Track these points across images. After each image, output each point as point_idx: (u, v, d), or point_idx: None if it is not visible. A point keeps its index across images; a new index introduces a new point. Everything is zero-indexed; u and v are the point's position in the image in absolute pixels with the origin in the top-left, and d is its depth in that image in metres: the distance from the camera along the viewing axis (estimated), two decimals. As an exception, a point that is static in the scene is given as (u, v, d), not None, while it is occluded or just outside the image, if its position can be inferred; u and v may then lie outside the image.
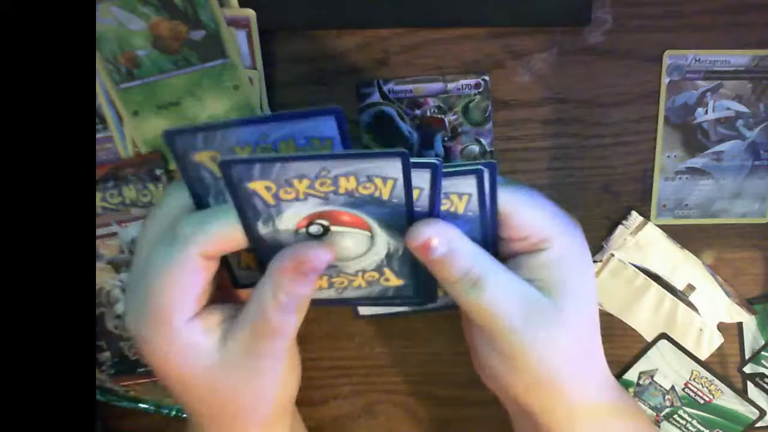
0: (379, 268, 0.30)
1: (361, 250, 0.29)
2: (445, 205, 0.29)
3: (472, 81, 0.39)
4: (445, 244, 0.28)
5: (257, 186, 0.27)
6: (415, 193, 0.27)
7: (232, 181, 0.26)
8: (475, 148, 0.40)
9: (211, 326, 0.29)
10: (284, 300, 0.28)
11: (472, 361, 0.35)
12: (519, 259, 0.30)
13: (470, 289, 0.28)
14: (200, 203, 0.30)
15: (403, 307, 0.33)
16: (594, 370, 0.31)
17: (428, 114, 0.40)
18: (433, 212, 0.28)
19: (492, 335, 0.29)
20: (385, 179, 0.27)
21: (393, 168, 0.26)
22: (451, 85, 0.39)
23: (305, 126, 0.27)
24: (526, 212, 0.29)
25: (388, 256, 0.30)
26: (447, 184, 0.28)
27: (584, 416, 0.31)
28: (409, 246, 0.28)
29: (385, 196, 0.27)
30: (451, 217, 0.29)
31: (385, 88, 0.39)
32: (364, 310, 0.32)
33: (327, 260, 0.28)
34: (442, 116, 0.40)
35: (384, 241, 0.29)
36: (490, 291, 0.28)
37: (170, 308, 0.28)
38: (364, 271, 0.30)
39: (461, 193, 0.28)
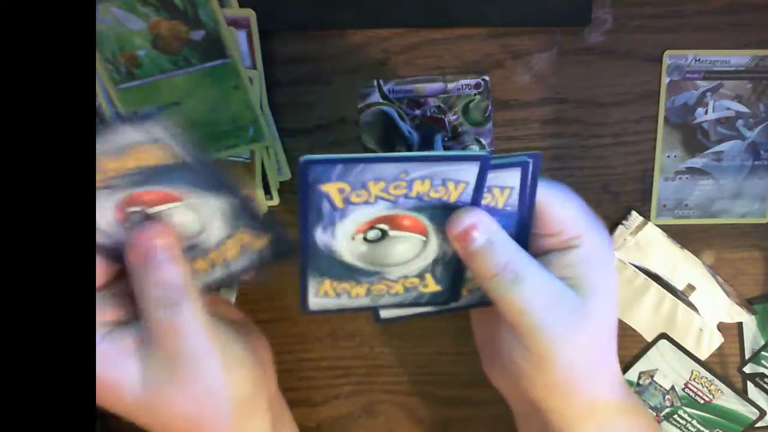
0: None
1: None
2: (485, 200, 0.28)
3: (472, 81, 0.39)
4: (485, 235, 0.28)
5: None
6: (461, 187, 0.27)
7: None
8: (475, 148, 0.40)
9: (128, 350, 0.28)
10: (154, 294, 0.26)
11: (473, 361, 0.35)
12: (550, 255, 0.30)
13: (508, 285, 0.28)
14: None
15: (426, 307, 0.33)
16: (608, 368, 0.31)
17: (428, 114, 0.40)
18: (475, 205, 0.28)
19: (521, 331, 0.29)
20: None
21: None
22: (451, 85, 0.39)
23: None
24: (559, 208, 0.29)
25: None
26: (491, 177, 0.28)
27: (594, 413, 0.31)
28: (449, 235, 0.28)
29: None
30: (490, 212, 0.29)
31: (385, 88, 0.39)
32: (385, 314, 0.32)
33: (164, 235, 0.27)
34: (442, 116, 0.40)
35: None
36: (527, 288, 0.28)
37: None
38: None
39: (503, 186, 0.28)
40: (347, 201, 0.27)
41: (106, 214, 0.28)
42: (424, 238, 0.29)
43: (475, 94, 0.40)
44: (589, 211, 0.31)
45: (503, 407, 0.35)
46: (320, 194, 0.26)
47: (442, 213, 0.28)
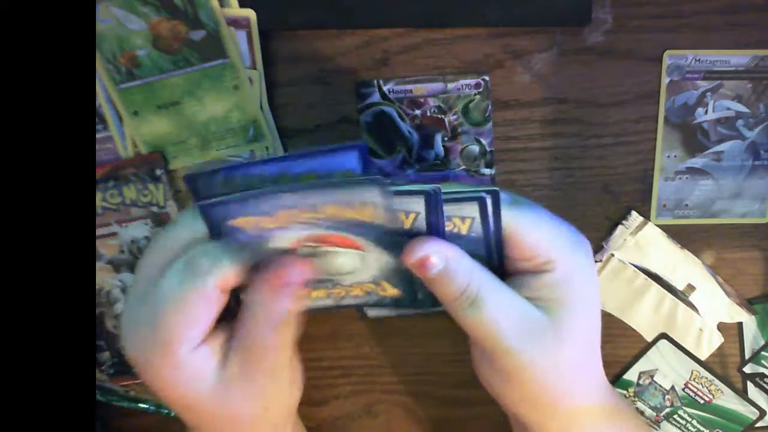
0: (376, 281, 0.30)
1: (355, 266, 0.29)
2: (448, 227, 0.29)
3: (472, 81, 0.39)
4: (442, 261, 0.28)
5: (239, 222, 0.26)
6: (411, 217, 0.27)
7: (213, 224, 0.26)
8: (475, 148, 0.40)
9: (214, 349, 0.29)
10: (269, 317, 0.28)
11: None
12: (523, 278, 0.30)
13: (468, 308, 0.28)
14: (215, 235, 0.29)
15: (401, 309, 0.33)
16: (591, 379, 0.31)
17: (428, 114, 0.40)
18: (437, 234, 0.28)
19: (489, 352, 0.29)
20: (407, 213, 0.27)
21: (373, 194, 0.26)
22: (451, 85, 0.39)
23: (327, 162, 0.27)
24: (530, 234, 0.29)
25: (386, 269, 0.30)
26: (449, 208, 0.28)
27: (576, 422, 0.31)
28: (406, 264, 0.28)
29: (369, 220, 0.27)
30: (455, 238, 0.29)
31: (385, 88, 0.39)
32: (371, 312, 0.32)
33: (305, 275, 0.28)
34: (442, 116, 0.40)
35: (377, 257, 0.29)
36: (489, 310, 0.28)
37: (180, 339, 0.28)
38: (360, 283, 0.30)
39: (464, 216, 0.28)
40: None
41: (285, 238, 0.28)
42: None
43: (475, 94, 0.40)
44: (569, 230, 0.30)
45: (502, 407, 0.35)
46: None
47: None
